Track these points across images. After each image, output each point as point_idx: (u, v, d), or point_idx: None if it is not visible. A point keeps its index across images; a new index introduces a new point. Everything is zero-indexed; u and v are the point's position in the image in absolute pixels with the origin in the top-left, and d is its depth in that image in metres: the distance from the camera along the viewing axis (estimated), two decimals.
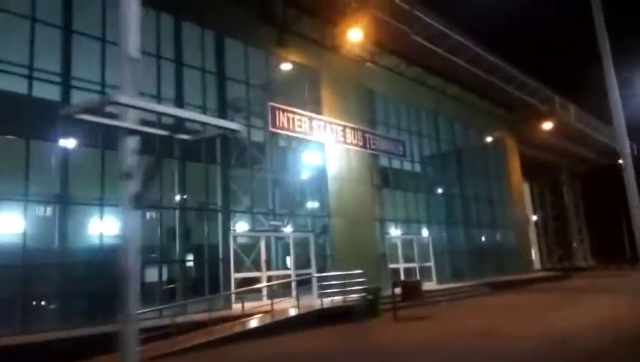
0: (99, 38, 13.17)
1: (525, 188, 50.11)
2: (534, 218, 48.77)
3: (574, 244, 50.27)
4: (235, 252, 15.30)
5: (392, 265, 21.35)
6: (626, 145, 8.14)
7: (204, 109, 15.24)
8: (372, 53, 22.11)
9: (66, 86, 12.55)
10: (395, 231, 22.57)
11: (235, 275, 14.92)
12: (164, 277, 14.57)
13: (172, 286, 14.04)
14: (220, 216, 15.14)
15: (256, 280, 15.68)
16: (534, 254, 47.85)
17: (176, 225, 14.17)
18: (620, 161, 35.25)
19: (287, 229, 17.48)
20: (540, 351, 8.64)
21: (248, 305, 13.69)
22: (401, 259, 22.04)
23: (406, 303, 13.98)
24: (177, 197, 14.28)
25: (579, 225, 50.96)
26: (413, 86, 25.28)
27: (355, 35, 18.66)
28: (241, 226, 16.71)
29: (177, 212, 14.25)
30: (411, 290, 13.96)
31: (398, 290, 14.35)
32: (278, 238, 18.20)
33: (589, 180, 51.61)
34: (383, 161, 22.78)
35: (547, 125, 33.22)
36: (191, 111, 14.52)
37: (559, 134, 37.00)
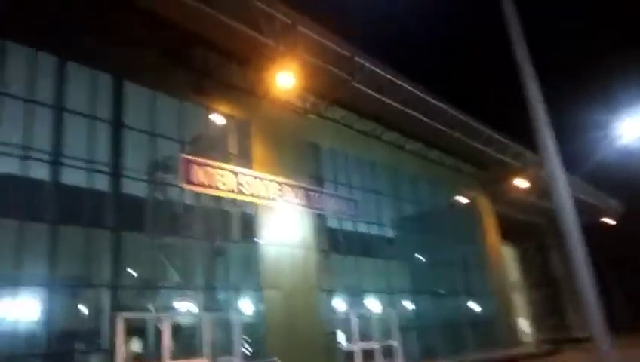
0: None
1: (509, 251, 47.36)
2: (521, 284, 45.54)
3: (570, 312, 46.58)
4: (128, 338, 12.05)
5: (345, 347, 17.97)
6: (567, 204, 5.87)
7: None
8: (314, 103, 20.12)
9: None
10: (347, 305, 19.40)
11: None
12: None
13: None
14: (104, 293, 12.09)
15: None
16: (524, 324, 44.12)
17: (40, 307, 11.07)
18: (606, 220, 32.77)
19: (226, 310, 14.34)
20: None
21: None
22: (356, 339, 18.68)
23: None
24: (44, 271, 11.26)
25: (572, 291, 47.52)
26: (367, 140, 23.22)
27: (284, 80, 16.66)
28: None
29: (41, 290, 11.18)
30: None
31: None
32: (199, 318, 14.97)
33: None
34: (332, 223, 20.07)
35: (520, 183, 31.05)
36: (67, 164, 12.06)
37: (535, 193, 34.83)
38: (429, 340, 22.78)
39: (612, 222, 43.65)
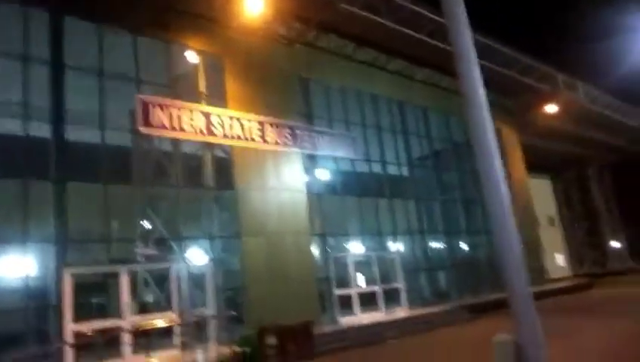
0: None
1: (546, 185, 44.55)
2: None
3: (609, 245, 43.92)
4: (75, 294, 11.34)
5: (340, 292, 16.96)
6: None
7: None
8: (301, 31, 18.09)
9: None
10: (346, 248, 18.25)
11: (73, 327, 10.98)
12: None
13: None
14: (51, 249, 11.30)
15: (119, 331, 11.64)
16: (562, 260, 42.03)
17: None
18: None
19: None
20: None
21: None
22: (354, 283, 17.64)
23: (288, 356, 9.65)
24: None
25: (612, 223, 44.59)
26: (369, 71, 21.12)
27: (253, 4, 14.77)
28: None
29: None
30: (294, 339, 9.63)
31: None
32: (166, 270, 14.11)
33: (621, 171, 45.47)
34: (328, 163, 18.56)
35: (551, 109, 28.14)
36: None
37: (571, 119, 31.72)
38: (441, 282, 21.53)
39: None
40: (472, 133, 4.55)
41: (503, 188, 4.33)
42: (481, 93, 4.56)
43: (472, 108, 4.51)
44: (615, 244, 44.02)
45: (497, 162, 4.42)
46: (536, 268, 26.99)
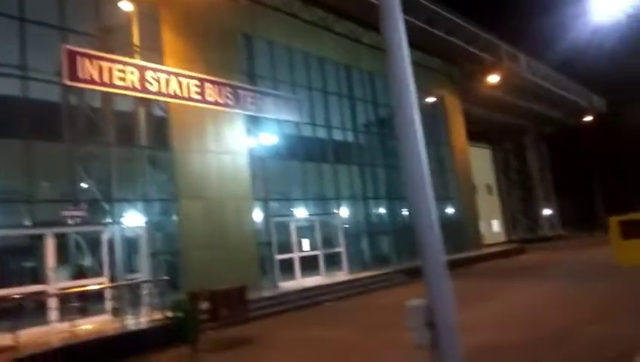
0: None
1: (486, 153, 46.12)
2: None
3: (541, 213, 46.44)
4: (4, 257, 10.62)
5: (282, 256, 16.90)
6: None
7: None
8: None
9: None
10: (289, 213, 18.11)
11: None
12: None
13: None
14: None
15: (43, 296, 11.02)
16: (498, 226, 44.08)
17: None
18: (588, 118, 30.89)
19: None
20: None
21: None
22: (296, 247, 17.62)
23: (221, 321, 9.51)
24: None
25: (545, 192, 47.01)
26: (316, 32, 20.58)
27: None
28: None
29: None
30: (227, 303, 9.49)
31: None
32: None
33: (556, 142, 47.64)
34: (272, 126, 18.12)
35: (493, 79, 28.72)
36: None
37: (512, 90, 32.65)
38: (382, 247, 21.94)
39: (590, 118, 42.05)
40: (392, 91, 4.32)
41: (422, 149, 4.18)
42: (404, 50, 4.29)
43: (394, 65, 4.26)
44: (547, 212, 46.50)
45: (417, 122, 4.23)
46: (473, 234, 28.11)
